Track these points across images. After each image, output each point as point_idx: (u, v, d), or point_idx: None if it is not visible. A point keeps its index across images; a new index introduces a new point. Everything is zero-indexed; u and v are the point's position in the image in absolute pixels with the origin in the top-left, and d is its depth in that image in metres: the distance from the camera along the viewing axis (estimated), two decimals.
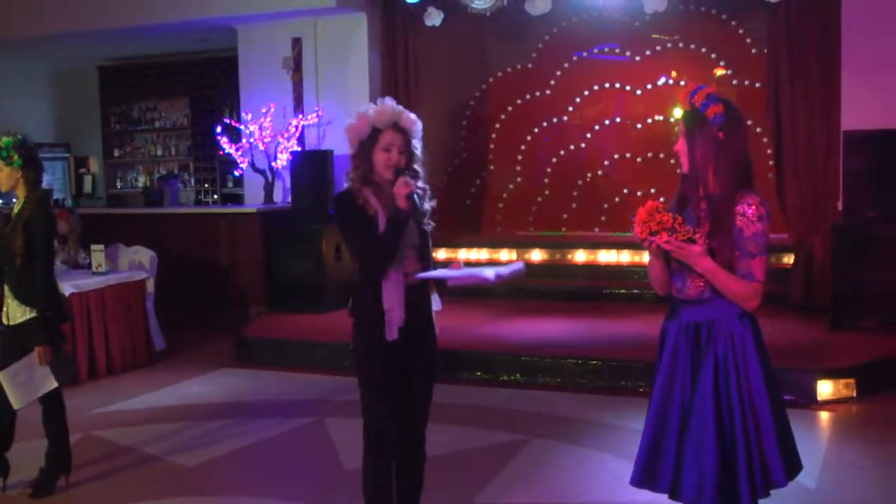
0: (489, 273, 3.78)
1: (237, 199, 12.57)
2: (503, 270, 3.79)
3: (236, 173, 11.91)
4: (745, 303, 3.28)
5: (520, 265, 3.91)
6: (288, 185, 10.53)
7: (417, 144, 3.95)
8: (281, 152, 10.52)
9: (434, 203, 4.00)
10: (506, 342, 8.00)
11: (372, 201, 3.83)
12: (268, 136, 10.53)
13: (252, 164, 10.66)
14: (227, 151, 10.89)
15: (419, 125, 3.94)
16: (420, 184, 3.92)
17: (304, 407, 7.00)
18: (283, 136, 10.51)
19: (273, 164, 10.59)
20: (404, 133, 3.89)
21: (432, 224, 4.01)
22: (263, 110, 10.55)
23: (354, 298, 3.97)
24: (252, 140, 10.59)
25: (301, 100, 10.73)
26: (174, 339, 9.21)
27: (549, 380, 7.40)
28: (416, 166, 3.95)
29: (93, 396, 7.42)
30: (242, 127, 10.76)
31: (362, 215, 3.82)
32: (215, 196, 13.63)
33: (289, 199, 10.45)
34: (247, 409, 6.99)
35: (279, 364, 8.29)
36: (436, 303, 4.05)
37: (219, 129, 10.93)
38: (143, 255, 8.95)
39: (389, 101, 3.92)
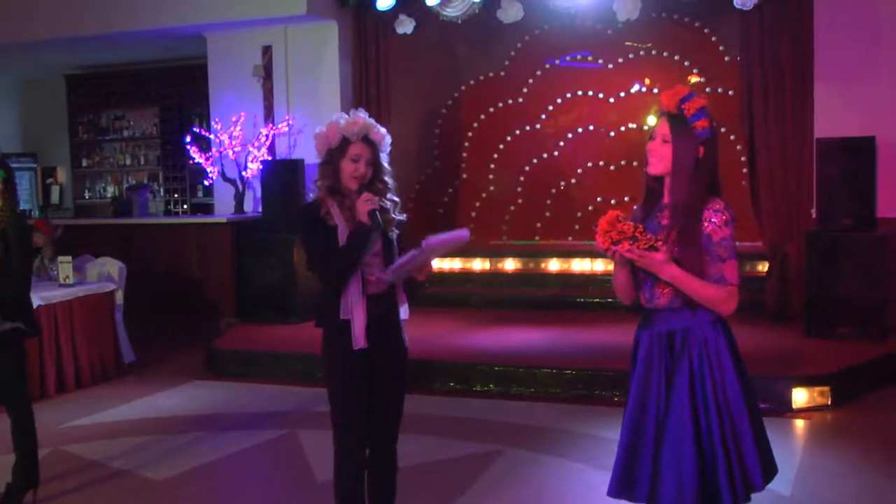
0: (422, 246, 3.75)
1: (207, 209, 12.52)
2: (432, 239, 3.75)
3: (206, 183, 11.86)
4: (721, 306, 3.29)
5: (463, 232, 3.87)
6: (258, 194, 10.50)
7: (385, 158, 3.99)
8: (251, 161, 10.48)
9: (403, 217, 4.05)
10: (479, 352, 8.00)
11: (334, 212, 3.88)
12: (238, 146, 10.49)
13: (222, 174, 10.61)
14: (196, 161, 10.84)
15: (388, 139, 4.00)
16: (389, 196, 3.97)
17: (275, 419, 6.97)
18: (253, 145, 10.47)
19: (243, 173, 10.56)
20: (373, 146, 3.93)
21: (397, 232, 4.02)
22: (233, 119, 10.52)
23: (320, 307, 3.99)
24: (222, 149, 10.55)
25: (271, 108, 10.71)
26: (144, 352, 9.14)
27: (523, 389, 7.40)
28: (385, 178, 3.99)
29: (61, 410, 7.35)
30: (212, 136, 10.73)
31: (323, 226, 3.87)
32: (185, 206, 13.57)
33: (259, 209, 10.42)
34: (218, 422, 6.95)
35: (251, 376, 8.27)
36: (403, 311, 4.06)
37: (188, 139, 10.89)
38: (112, 267, 8.89)
39: (362, 114, 3.97)
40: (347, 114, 3.97)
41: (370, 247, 3.87)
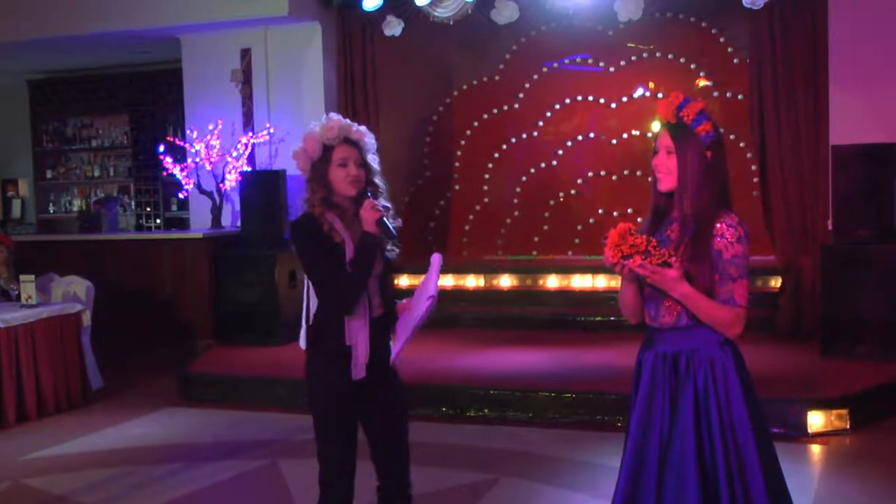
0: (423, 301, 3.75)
1: (182, 224, 12.51)
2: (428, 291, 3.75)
3: (181, 196, 11.84)
4: (727, 329, 3.31)
5: (434, 258, 3.84)
6: (237, 207, 10.50)
7: (374, 157, 3.95)
8: (229, 172, 10.49)
9: (398, 222, 3.94)
10: (473, 374, 7.99)
11: (338, 227, 3.79)
12: (215, 155, 10.49)
13: (198, 186, 10.61)
14: (170, 172, 10.83)
15: (371, 137, 3.95)
16: (382, 201, 3.90)
17: (255, 448, 6.93)
18: (231, 154, 10.48)
19: (221, 185, 10.56)
20: (357, 146, 3.89)
21: (396, 251, 3.98)
22: (210, 127, 10.53)
23: (313, 331, 3.89)
24: (198, 159, 10.55)
25: (251, 115, 10.72)
26: (113, 377, 9.10)
27: (520, 414, 7.39)
28: (375, 180, 3.94)
29: (22, 441, 7.31)
30: (187, 145, 10.73)
31: (327, 244, 3.79)
32: (158, 220, 13.57)
33: (238, 223, 10.42)
34: (193, 452, 6.91)
35: (229, 402, 8.23)
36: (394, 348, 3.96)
37: (161, 148, 10.88)
38: (79, 286, 8.86)
39: (335, 116, 3.93)
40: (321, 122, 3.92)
41: (376, 256, 3.81)
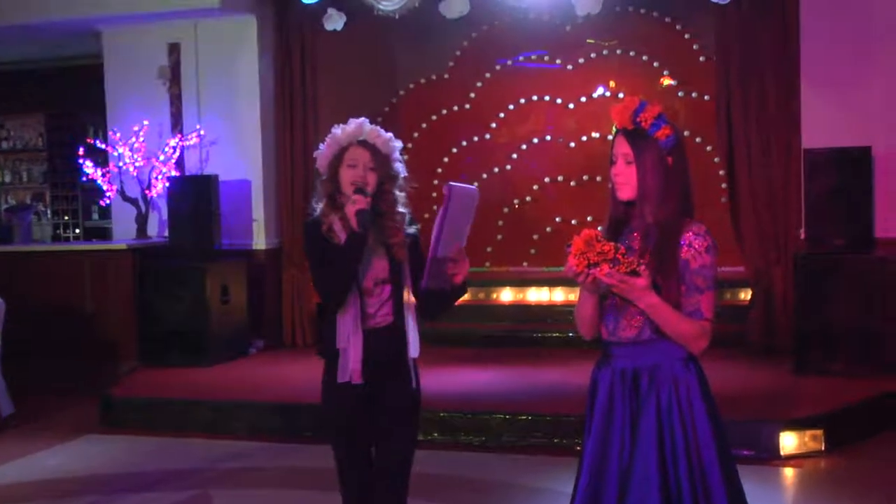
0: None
1: (104, 234, 12.41)
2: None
3: (103, 203, 11.68)
4: (693, 343, 3.32)
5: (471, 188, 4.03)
6: (165, 216, 10.41)
7: (398, 165, 4.15)
8: (156, 178, 10.39)
9: (414, 229, 4.19)
10: (420, 395, 7.94)
11: (336, 228, 4.04)
12: (140, 159, 10.39)
13: (121, 193, 10.50)
14: (91, 177, 10.70)
15: (394, 143, 4.16)
16: (398, 208, 4.13)
17: (184, 478, 6.87)
18: (158, 158, 10.39)
19: (147, 191, 10.46)
20: (373, 150, 4.08)
21: (405, 255, 4.11)
22: (135, 129, 10.42)
23: (320, 331, 4.25)
24: (121, 164, 10.44)
25: (180, 116, 10.64)
26: (26, 403, 8.95)
27: (472, 438, 7.39)
28: (395, 190, 4.14)
29: None
30: (110, 148, 10.61)
31: (326, 245, 4.04)
32: (77, 230, 13.44)
33: (166, 233, 10.33)
34: (115, 483, 6.83)
35: (155, 428, 8.15)
36: (413, 347, 4.12)
37: (81, 151, 10.74)
38: None
39: (360, 120, 4.15)
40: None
41: (368, 265, 4.01)
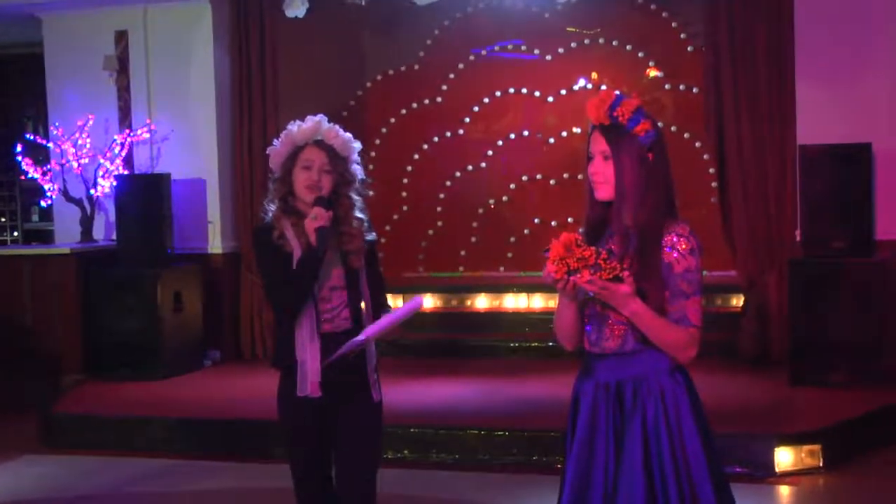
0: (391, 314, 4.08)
1: (45, 237, 12.32)
2: (371, 328, 4.03)
3: (43, 204, 11.63)
4: (680, 352, 3.32)
5: (415, 301, 4.17)
6: (112, 218, 10.34)
7: (354, 166, 4.23)
8: (103, 177, 10.33)
9: (373, 236, 4.30)
10: (389, 410, 7.79)
11: (288, 235, 4.07)
12: (85, 157, 10.34)
13: (64, 192, 10.43)
14: (30, 176, 10.63)
15: (353, 144, 4.25)
16: (356, 213, 4.18)
17: (131, 501, 6.84)
18: (105, 156, 10.33)
19: (92, 191, 10.39)
20: (330, 151, 4.14)
21: (361, 264, 4.20)
22: (79, 123, 10.36)
23: (275, 342, 4.36)
24: (64, 161, 10.37)
25: (128, 110, 10.58)
26: None
27: (445, 456, 7.38)
28: (351, 193, 4.20)
29: None
30: (51, 144, 10.55)
31: (278, 253, 4.10)
32: (15, 233, 13.35)
33: (113, 237, 10.26)
34: None
35: (101, 447, 8.09)
36: (372, 355, 4.21)
37: (19, 148, 10.69)
38: None
39: (317, 118, 4.22)
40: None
41: (319, 271, 4.05)
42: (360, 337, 3.95)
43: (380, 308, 4.28)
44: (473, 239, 11.90)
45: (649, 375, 3.34)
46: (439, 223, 12.03)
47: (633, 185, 3.33)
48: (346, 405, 4.15)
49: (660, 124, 3.45)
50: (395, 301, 10.45)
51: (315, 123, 4.17)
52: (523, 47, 11.82)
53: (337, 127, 4.23)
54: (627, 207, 3.35)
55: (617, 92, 3.43)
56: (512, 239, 11.72)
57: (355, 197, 4.22)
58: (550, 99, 11.71)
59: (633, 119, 3.35)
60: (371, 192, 4.39)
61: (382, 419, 4.32)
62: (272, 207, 4.17)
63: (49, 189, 10.59)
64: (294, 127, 4.20)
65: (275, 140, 4.25)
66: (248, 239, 10.26)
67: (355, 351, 3.99)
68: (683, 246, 3.31)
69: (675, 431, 3.30)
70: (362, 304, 4.23)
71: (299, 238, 4.07)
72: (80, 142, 10.33)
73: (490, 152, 11.95)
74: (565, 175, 11.54)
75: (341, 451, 4.20)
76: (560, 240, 3.22)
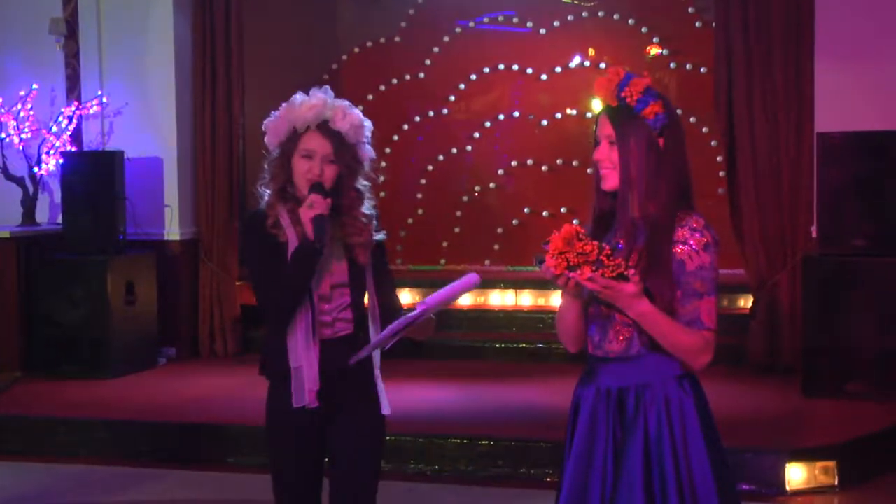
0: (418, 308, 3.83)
1: None
2: (431, 298, 3.83)
3: None
4: (694, 358, 3.32)
5: (469, 277, 3.95)
6: (57, 199, 10.33)
7: (365, 155, 4.06)
8: (47, 153, 10.29)
9: (382, 235, 4.21)
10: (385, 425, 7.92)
11: (284, 223, 3.92)
12: (28, 131, 10.29)
13: (4, 170, 10.38)
14: None
15: (364, 128, 4.05)
16: (363, 209, 4.06)
17: None
18: (50, 130, 10.29)
19: (36, 169, 10.34)
20: (336, 138, 3.93)
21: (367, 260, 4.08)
22: (22, 94, 10.32)
23: (263, 347, 4.17)
24: (5, 136, 10.33)
25: (77, 80, 10.54)
26: None
27: (424, 466, 7.37)
28: (358, 185, 4.05)
29: None
30: None
31: (270, 243, 3.95)
32: None
33: (59, 220, 10.26)
34: None
35: (42, 452, 8.03)
36: (377, 363, 4.14)
37: None
38: None
39: (323, 94, 4.00)
40: (306, 94, 3.99)
41: (326, 272, 3.93)
42: (417, 310, 3.76)
43: (394, 312, 4.08)
44: (457, 229, 11.91)
45: (654, 382, 3.34)
46: (419, 211, 12.03)
47: (641, 172, 3.32)
48: (347, 417, 4.07)
49: (678, 111, 3.41)
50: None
51: (319, 102, 3.95)
52: (515, 19, 11.83)
53: (345, 105, 3.99)
54: (634, 197, 3.35)
55: (627, 70, 3.39)
56: (499, 230, 11.73)
57: (362, 185, 4.09)
58: (544, 77, 11.72)
59: (642, 100, 3.34)
60: (382, 178, 4.25)
61: (385, 434, 4.24)
62: (268, 192, 4.01)
63: None
64: (298, 98, 3.98)
65: (272, 112, 4.06)
66: (209, 224, 10.22)
67: (413, 328, 3.83)
68: (697, 241, 3.31)
69: (679, 445, 3.30)
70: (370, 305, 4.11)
71: (296, 227, 3.93)
72: (22, 114, 10.29)
73: (476, 134, 11.96)
74: (559, 161, 11.55)
75: (338, 471, 4.12)
76: (561, 232, 3.21)
